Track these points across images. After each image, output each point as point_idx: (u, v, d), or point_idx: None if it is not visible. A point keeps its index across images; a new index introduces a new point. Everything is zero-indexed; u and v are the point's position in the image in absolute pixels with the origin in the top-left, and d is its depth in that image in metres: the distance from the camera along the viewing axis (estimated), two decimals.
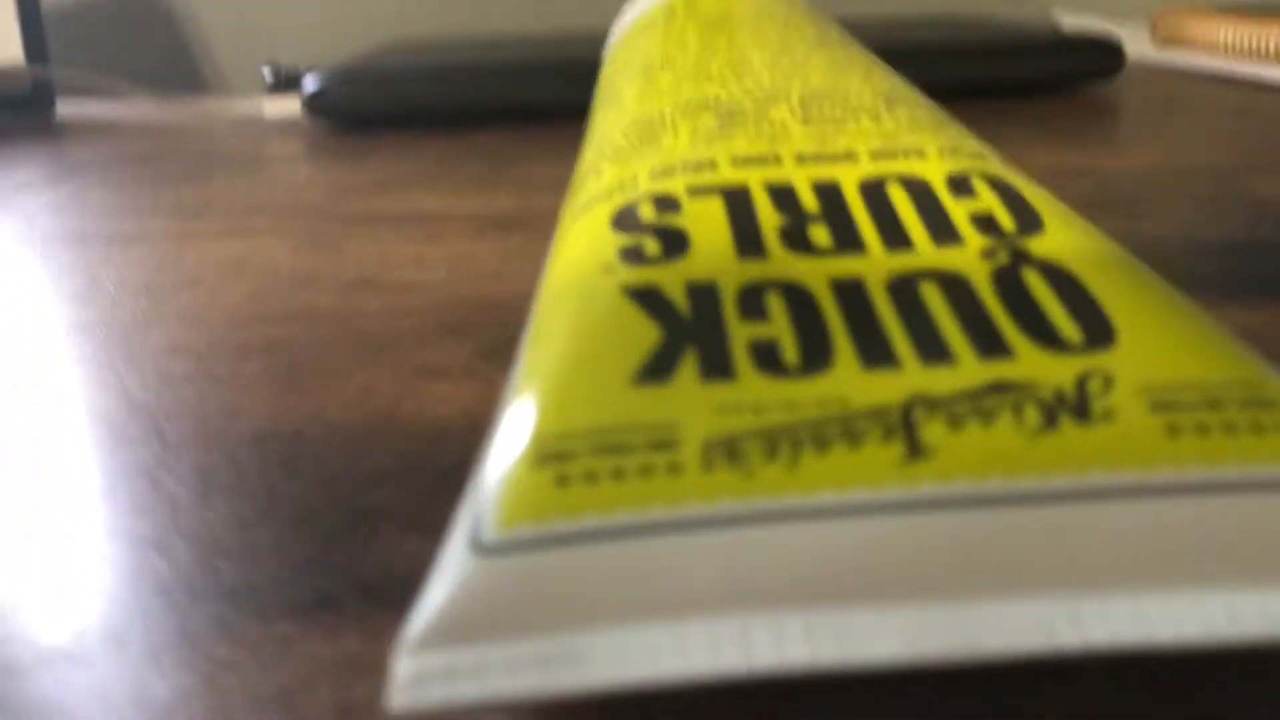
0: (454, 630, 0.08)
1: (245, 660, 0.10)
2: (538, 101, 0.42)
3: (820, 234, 0.12)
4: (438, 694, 0.08)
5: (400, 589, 0.11)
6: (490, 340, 0.18)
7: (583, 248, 0.13)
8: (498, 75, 0.42)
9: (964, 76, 0.43)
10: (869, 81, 0.17)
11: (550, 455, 0.09)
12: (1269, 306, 0.18)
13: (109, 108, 0.54)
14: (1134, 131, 0.35)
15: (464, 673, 0.08)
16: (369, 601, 0.11)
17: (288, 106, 0.45)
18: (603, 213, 0.13)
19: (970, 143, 0.14)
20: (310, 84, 0.42)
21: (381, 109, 0.42)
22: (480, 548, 0.09)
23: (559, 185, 0.30)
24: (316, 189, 0.32)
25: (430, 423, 0.15)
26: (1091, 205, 0.25)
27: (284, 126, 0.45)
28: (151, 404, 0.16)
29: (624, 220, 0.13)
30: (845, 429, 0.09)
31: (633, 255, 0.12)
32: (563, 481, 0.09)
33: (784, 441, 0.09)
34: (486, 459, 0.10)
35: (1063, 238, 0.12)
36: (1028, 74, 0.44)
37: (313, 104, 0.42)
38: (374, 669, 0.10)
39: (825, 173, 0.13)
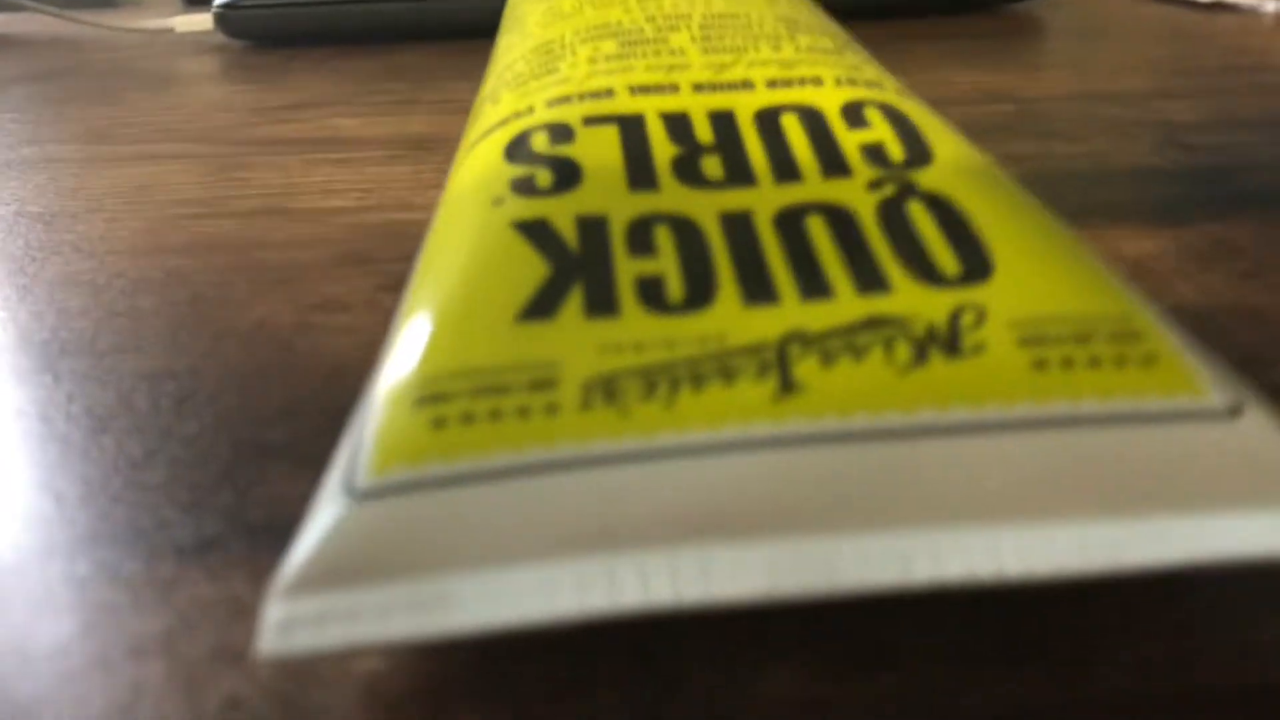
0: (325, 575, 0.08)
1: (126, 604, 0.10)
2: (458, 19, 0.41)
3: (712, 165, 0.12)
4: (307, 639, 0.08)
5: (287, 530, 0.11)
6: (395, 272, 0.18)
7: (474, 178, 0.13)
8: None
9: None
10: (772, 6, 0.16)
11: (428, 397, 0.09)
12: (1168, 231, 0.18)
13: (9, 20, 0.52)
14: (1055, 53, 0.35)
15: (335, 617, 0.08)
16: (254, 543, 0.11)
17: (200, 22, 0.43)
18: (497, 142, 0.13)
19: (870, 70, 0.14)
20: None
21: (297, 26, 0.41)
22: (354, 491, 0.09)
23: None
24: (227, 111, 0.31)
25: (327, 358, 0.14)
26: (1003, 130, 0.25)
27: (196, 43, 0.43)
28: (46, 339, 0.15)
29: (516, 150, 0.13)
30: (721, 366, 0.09)
31: (524, 187, 0.12)
32: (439, 423, 0.09)
33: (662, 380, 0.09)
34: (365, 400, 0.10)
35: (951, 169, 0.12)
36: None
37: (225, 20, 0.41)
38: (256, 612, 0.10)
39: (721, 102, 0.13)
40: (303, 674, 0.09)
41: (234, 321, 0.16)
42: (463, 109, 0.30)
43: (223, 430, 0.13)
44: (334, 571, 0.08)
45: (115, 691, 0.09)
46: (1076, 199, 0.20)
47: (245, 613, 0.10)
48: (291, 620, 0.08)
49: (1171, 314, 0.15)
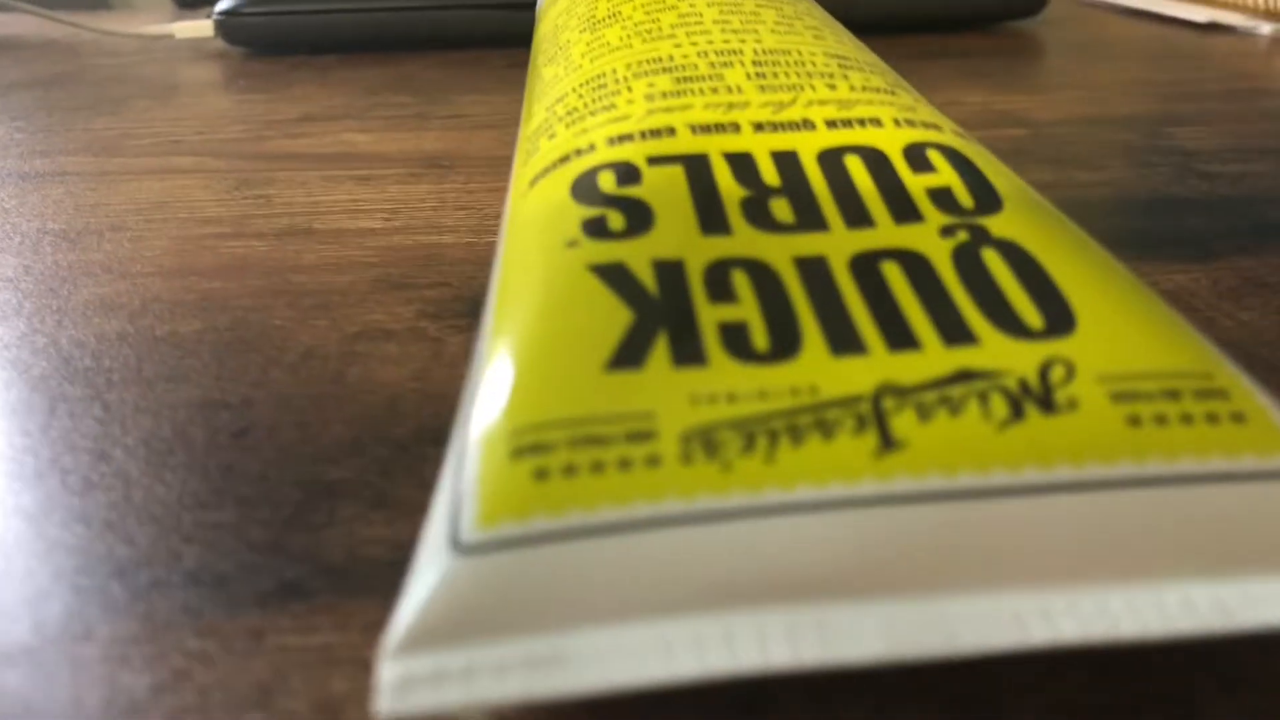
0: (438, 632, 0.08)
1: (217, 653, 0.10)
2: (462, 29, 0.41)
3: (782, 209, 0.12)
4: (426, 699, 0.08)
5: (367, 574, 0.11)
6: (434, 299, 0.18)
7: (541, 217, 0.13)
8: (424, 1, 0.41)
9: (886, 13, 0.43)
10: (820, 42, 0.16)
11: (527, 447, 0.09)
12: (1199, 264, 0.18)
13: (4, 23, 0.51)
14: (1059, 73, 0.36)
15: (452, 677, 0.08)
16: (337, 589, 0.11)
17: (199, 28, 0.43)
18: (561, 180, 0.13)
19: (924, 110, 0.14)
20: (223, 2, 0.41)
21: (298, 34, 0.41)
22: (460, 546, 0.09)
23: (492, 123, 0.30)
24: (236, 123, 0.31)
25: (381, 390, 0.14)
26: (1020, 154, 0.25)
27: (195, 49, 0.43)
28: (90, 367, 0.15)
29: (583, 190, 0.13)
30: (818, 420, 0.09)
31: (596, 229, 0.12)
32: (542, 475, 0.09)
33: (760, 433, 0.09)
34: (458, 447, 0.10)
35: (1021, 216, 0.12)
36: (950, 10, 0.44)
37: (225, 26, 0.41)
38: (350, 662, 0.10)
39: (783, 142, 0.13)
40: None
41: (280, 350, 0.16)
42: (475, 125, 0.30)
43: (286, 466, 0.13)
44: (447, 628, 0.08)
45: None
46: (1105, 229, 0.20)
47: (339, 663, 0.10)
48: (409, 678, 0.08)
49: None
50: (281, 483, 0.12)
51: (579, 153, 0.13)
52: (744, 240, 0.12)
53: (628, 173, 0.13)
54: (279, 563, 0.11)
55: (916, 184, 0.12)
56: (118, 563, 0.11)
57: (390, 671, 0.08)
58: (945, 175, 0.13)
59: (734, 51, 0.16)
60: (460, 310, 0.17)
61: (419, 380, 0.15)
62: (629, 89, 0.15)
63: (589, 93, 0.15)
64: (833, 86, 0.15)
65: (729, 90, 0.14)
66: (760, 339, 0.10)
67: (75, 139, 0.29)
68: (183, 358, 0.16)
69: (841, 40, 0.17)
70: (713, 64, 0.15)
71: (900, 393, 0.10)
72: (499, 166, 0.25)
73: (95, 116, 0.32)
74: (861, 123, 0.14)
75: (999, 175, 0.13)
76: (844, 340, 0.10)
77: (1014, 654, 0.10)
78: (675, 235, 0.12)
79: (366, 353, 0.16)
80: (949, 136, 0.14)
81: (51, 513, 0.12)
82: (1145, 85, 0.33)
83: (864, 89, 0.15)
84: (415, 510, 0.12)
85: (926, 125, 0.14)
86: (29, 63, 0.41)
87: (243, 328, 0.17)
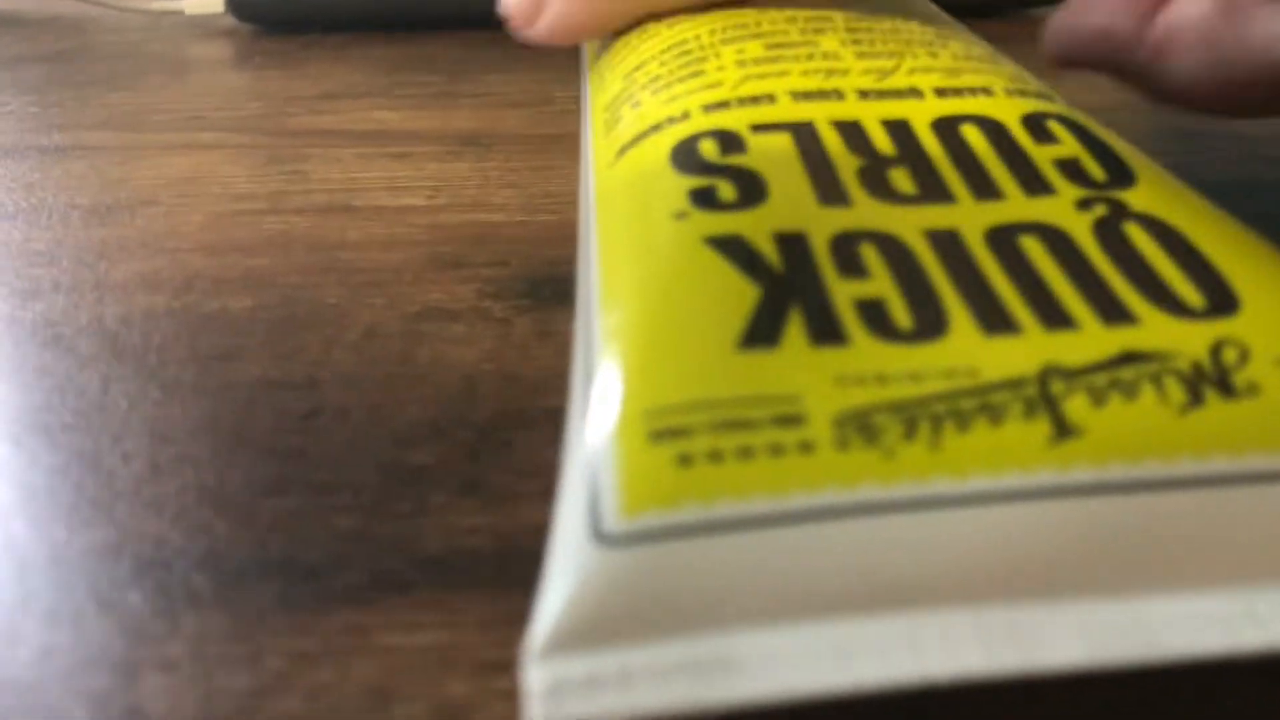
0: (587, 632, 0.07)
1: (318, 652, 0.09)
2: (485, 9, 0.40)
3: (902, 179, 0.11)
4: (581, 707, 0.07)
5: (469, 566, 0.10)
6: (494, 278, 0.17)
7: (639, 188, 0.12)
8: None
9: None
10: (910, 10, 0.16)
11: (665, 431, 0.09)
12: None
13: None
14: None
15: (608, 682, 0.07)
16: (440, 583, 0.10)
17: (209, 4, 0.42)
18: (655, 148, 0.12)
19: (1032, 80, 0.14)
20: None
21: (312, 11, 0.40)
22: (604, 537, 0.08)
23: (522, 101, 0.29)
24: (256, 99, 0.30)
25: (454, 371, 0.14)
26: None
27: (205, 25, 0.42)
28: (138, 344, 0.14)
29: (684, 158, 0.12)
30: (983, 404, 0.09)
31: (706, 199, 0.11)
32: (686, 461, 0.08)
33: (921, 417, 0.09)
34: (583, 432, 0.09)
35: (1157, 190, 0.11)
36: None
37: (236, 3, 0.40)
38: (467, 663, 0.09)
39: (893, 110, 0.12)
40: None
41: (338, 329, 0.15)
42: (506, 104, 0.29)
43: (363, 451, 0.12)
44: (596, 628, 0.08)
45: None
46: None
47: (454, 665, 0.09)
48: (560, 683, 0.07)
49: None
50: (359, 468, 0.12)
51: (671, 120, 0.13)
52: (867, 212, 0.11)
53: (731, 141, 0.12)
54: (370, 552, 0.10)
55: (1042, 155, 0.12)
56: (197, 553, 0.10)
57: (538, 677, 0.07)
58: (1070, 146, 0.12)
59: (824, 18, 0.15)
60: (522, 290, 0.16)
61: (492, 362, 0.14)
62: (717, 55, 0.14)
63: (672, 59, 0.14)
64: (934, 55, 0.14)
65: (825, 57, 0.14)
66: (902, 316, 0.10)
67: (92, 114, 0.28)
68: (236, 335, 0.15)
69: (927, 10, 0.16)
70: (803, 30, 0.14)
71: (1067, 375, 0.09)
72: (539, 145, 0.24)
73: (109, 91, 0.31)
74: (972, 91, 0.13)
75: (1122, 148, 0.12)
76: (995, 318, 0.09)
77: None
78: (793, 206, 0.11)
79: (433, 333, 0.15)
80: (1063, 108, 0.13)
81: (117, 500, 0.11)
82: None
83: (967, 58, 0.14)
84: (510, 498, 0.11)
85: (1039, 95, 0.13)
86: (33, 39, 0.40)
87: (295, 305, 0.16)
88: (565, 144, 0.24)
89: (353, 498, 0.11)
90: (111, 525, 0.11)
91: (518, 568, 0.10)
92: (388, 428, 0.12)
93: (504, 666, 0.09)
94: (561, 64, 0.33)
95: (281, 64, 0.35)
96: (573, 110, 0.27)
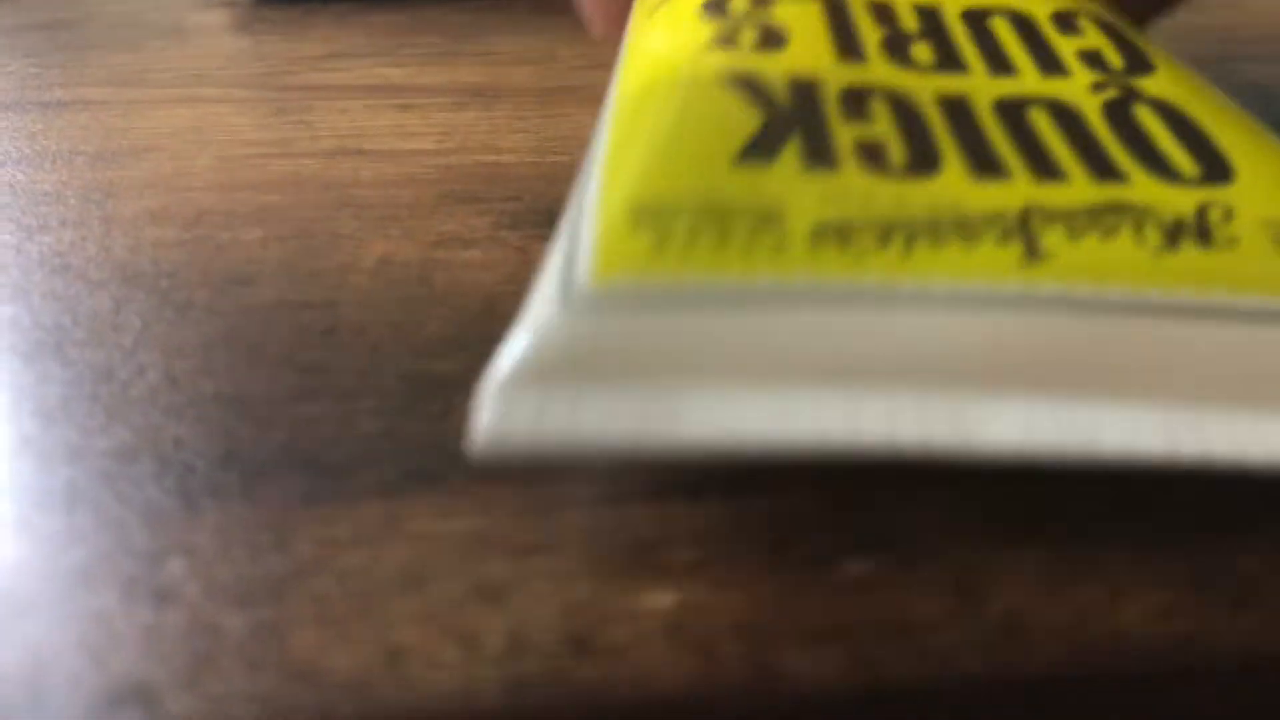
0: (546, 370, 0.08)
1: (349, 539, 0.09)
2: None
3: (922, 51, 0.11)
4: (525, 431, 0.07)
5: (498, 460, 0.10)
6: (509, 211, 0.16)
7: (669, 37, 0.12)
8: None
9: None
10: None
11: (647, 212, 0.09)
12: None
13: None
14: None
15: (556, 413, 0.07)
16: (469, 475, 0.10)
17: None
18: (688, 3, 0.12)
19: None
20: None
21: None
22: (575, 296, 0.08)
23: (529, 59, 0.29)
24: (258, 60, 0.30)
25: (473, 291, 0.13)
26: None
27: None
28: (149, 271, 0.14)
29: (715, 8, 0.12)
30: (959, 227, 0.09)
31: (728, 40, 0.11)
32: (664, 240, 0.08)
33: (897, 232, 0.09)
34: (574, 215, 0.09)
35: (1173, 80, 0.11)
36: None
37: None
38: (502, 548, 0.09)
39: None
40: (591, 610, 0.08)
41: (355, 256, 0.15)
42: (512, 61, 0.29)
43: (385, 363, 0.12)
44: (555, 368, 0.08)
45: (377, 631, 0.08)
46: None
47: (490, 548, 0.09)
48: (511, 411, 0.07)
49: None
50: (383, 376, 0.11)
51: None
52: (882, 71, 0.11)
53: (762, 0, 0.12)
54: (399, 451, 0.10)
55: (1065, 44, 0.12)
56: (218, 454, 0.10)
57: (491, 406, 0.07)
58: (1094, 39, 0.12)
59: None
60: (538, 221, 0.16)
61: (511, 283, 0.14)
62: None
63: None
64: None
65: None
66: (897, 154, 0.10)
67: (93, 73, 0.28)
68: (249, 263, 0.14)
69: None
70: None
71: (1047, 214, 0.09)
72: (547, 95, 0.24)
73: (109, 54, 0.31)
74: None
75: (1148, 45, 0.12)
76: (986, 166, 0.10)
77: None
78: (810, 56, 0.11)
79: (449, 259, 0.15)
80: (1097, 8, 0.13)
81: (132, 407, 0.11)
82: (1198, 30, 0.32)
83: None
84: None
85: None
86: (28, 9, 0.40)
87: (309, 237, 0.15)
88: (574, 95, 0.24)
89: (378, 402, 0.11)
90: (128, 429, 0.10)
91: (551, 464, 0.10)
92: (408, 343, 0.12)
93: (543, 548, 0.08)
94: (566, 26, 0.33)
95: (283, 30, 0.35)
96: (579, 67, 0.27)
